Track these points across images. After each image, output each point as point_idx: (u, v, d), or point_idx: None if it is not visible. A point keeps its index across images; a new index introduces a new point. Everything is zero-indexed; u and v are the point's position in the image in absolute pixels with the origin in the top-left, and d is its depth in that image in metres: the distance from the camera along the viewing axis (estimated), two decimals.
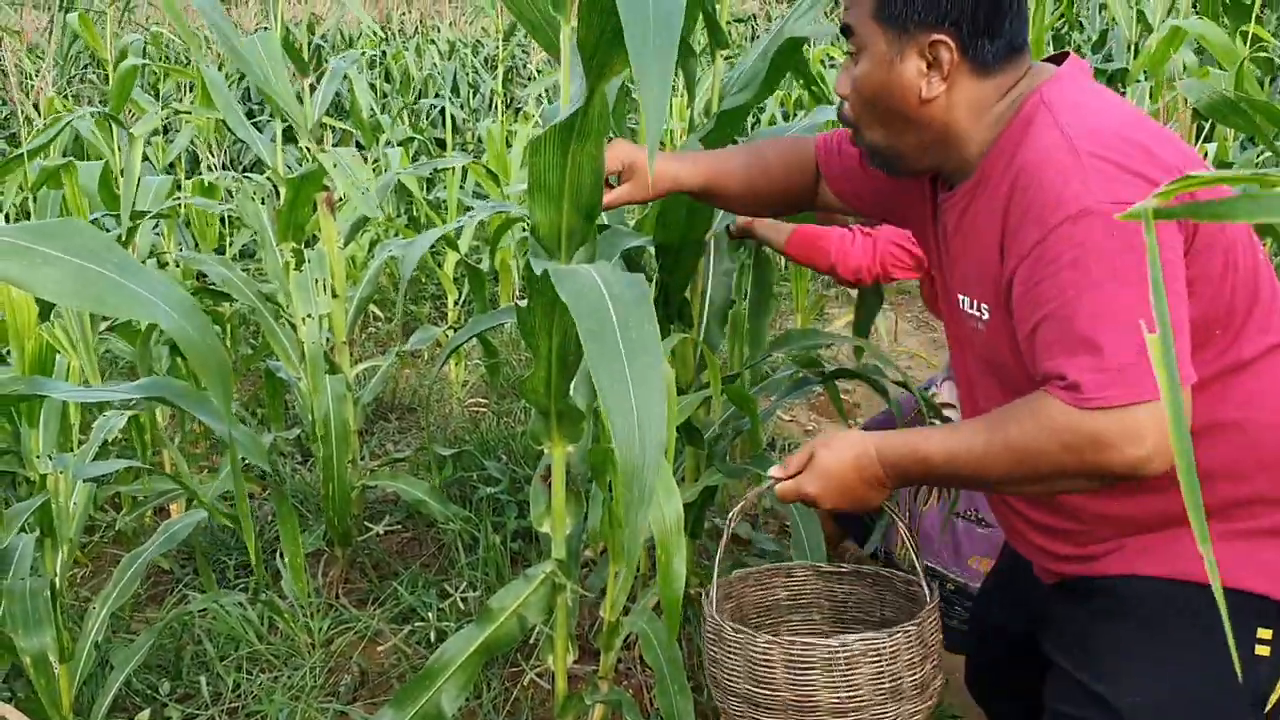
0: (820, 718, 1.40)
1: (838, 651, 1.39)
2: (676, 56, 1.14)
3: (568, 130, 1.54)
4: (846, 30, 1.43)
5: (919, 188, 1.55)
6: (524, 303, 1.62)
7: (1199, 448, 1.29)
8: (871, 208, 1.75)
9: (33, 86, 4.41)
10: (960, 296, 1.44)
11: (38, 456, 1.88)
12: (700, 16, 2.22)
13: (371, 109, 7.37)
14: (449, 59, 10.27)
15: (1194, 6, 4.66)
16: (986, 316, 1.38)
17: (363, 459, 3.45)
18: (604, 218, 2.47)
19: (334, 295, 3.06)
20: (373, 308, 5.59)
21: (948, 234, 1.46)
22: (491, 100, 9.22)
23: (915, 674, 1.43)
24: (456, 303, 4.60)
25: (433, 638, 2.64)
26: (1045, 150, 1.27)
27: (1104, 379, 1.17)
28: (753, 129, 4.92)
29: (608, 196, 1.69)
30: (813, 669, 1.40)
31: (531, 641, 2.50)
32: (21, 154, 3.01)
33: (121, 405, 2.24)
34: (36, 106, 4.41)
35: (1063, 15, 7.23)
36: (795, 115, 3.98)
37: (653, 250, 2.17)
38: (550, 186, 1.62)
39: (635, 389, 1.20)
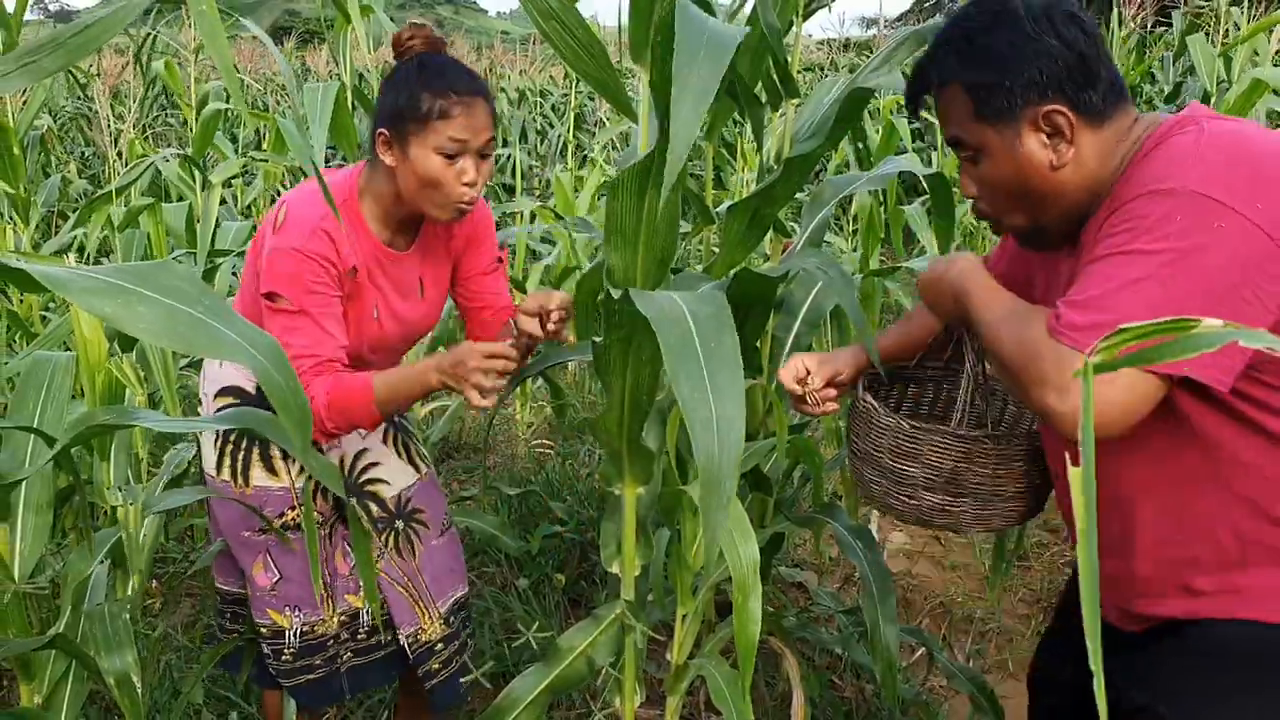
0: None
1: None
2: (716, 89, 1.18)
3: (644, 174, 1.57)
4: (955, 142, 1.48)
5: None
6: (600, 340, 1.64)
7: None
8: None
9: (116, 129, 4.56)
10: None
11: (108, 489, 1.92)
12: (770, 65, 2.25)
13: None
14: (518, 107, 10.44)
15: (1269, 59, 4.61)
16: None
17: None
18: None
19: None
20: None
21: (1079, 261, 1.46)
22: (560, 147, 9.33)
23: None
24: None
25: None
26: (1172, 142, 1.32)
27: (1078, 321, 1.25)
28: (817, 178, 4.93)
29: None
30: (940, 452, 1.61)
31: (599, 683, 2.49)
32: (108, 192, 3.12)
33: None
34: (120, 152, 4.55)
35: (1134, 68, 7.17)
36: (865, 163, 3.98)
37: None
38: (626, 230, 1.64)
39: (715, 399, 1.23)
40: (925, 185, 2.49)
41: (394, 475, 2.18)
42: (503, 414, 4.51)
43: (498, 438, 4.29)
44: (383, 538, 2.16)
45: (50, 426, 1.93)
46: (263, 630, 2.12)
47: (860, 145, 3.14)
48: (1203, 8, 7.23)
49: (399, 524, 2.18)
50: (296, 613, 2.11)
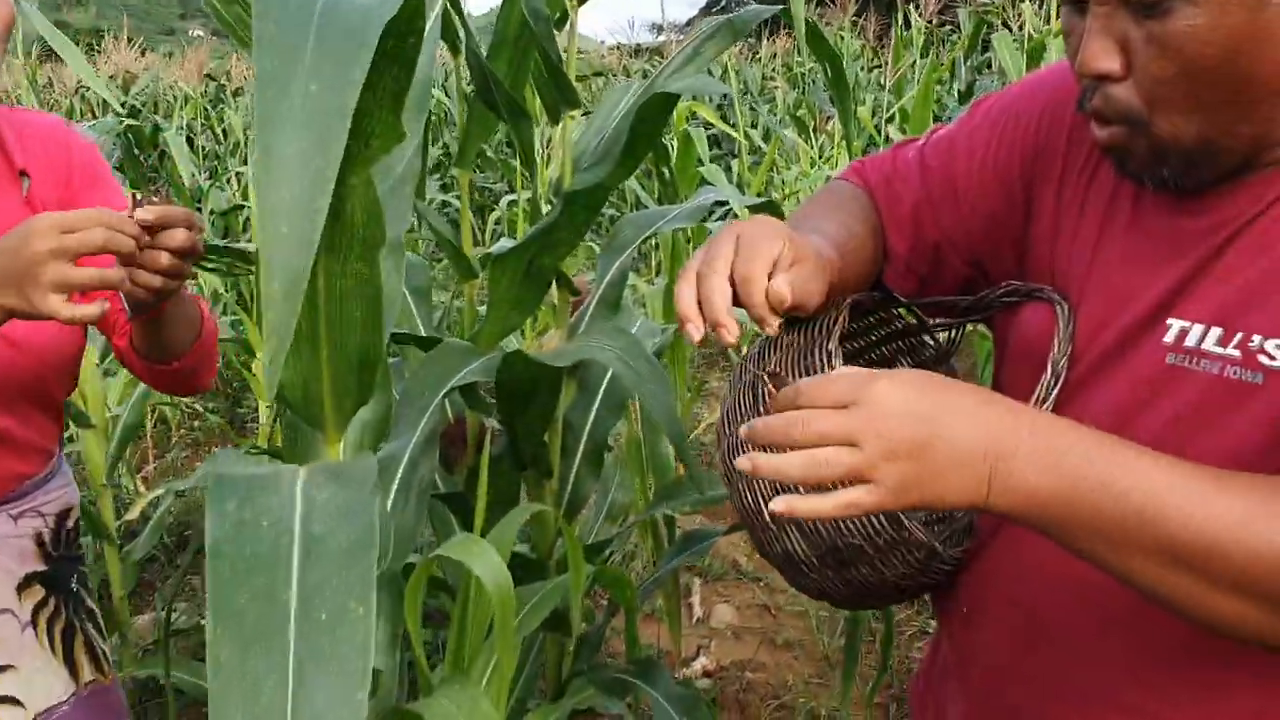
0: None
1: None
2: (349, 108, 0.58)
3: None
4: None
5: (1103, 185, 1.00)
6: None
7: None
8: (962, 251, 1.13)
9: None
10: (1208, 330, 0.89)
11: None
12: (540, 65, 1.67)
13: (194, 174, 6.65)
14: None
15: None
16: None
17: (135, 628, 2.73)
18: (421, 327, 1.87)
19: (88, 425, 2.37)
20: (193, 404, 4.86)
21: (1226, 243, 0.91)
22: None
23: None
24: (271, 408, 3.89)
25: None
26: None
27: None
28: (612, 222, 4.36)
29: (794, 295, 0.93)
30: None
31: None
32: None
33: None
34: None
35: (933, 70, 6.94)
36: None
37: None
38: (296, 326, 1.01)
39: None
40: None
41: (33, 688, 1.41)
42: None
43: None
44: None
45: None
46: None
47: (665, 170, 2.58)
48: (989, 5, 7.11)
49: None
50: None
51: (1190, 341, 0.89)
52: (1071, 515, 0.77)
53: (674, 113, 4.73)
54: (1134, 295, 0.95)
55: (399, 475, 1.34)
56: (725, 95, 8.47)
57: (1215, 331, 0.87)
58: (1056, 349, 0.98)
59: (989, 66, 7.52)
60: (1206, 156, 0.87)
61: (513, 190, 7.14)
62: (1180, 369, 0.89)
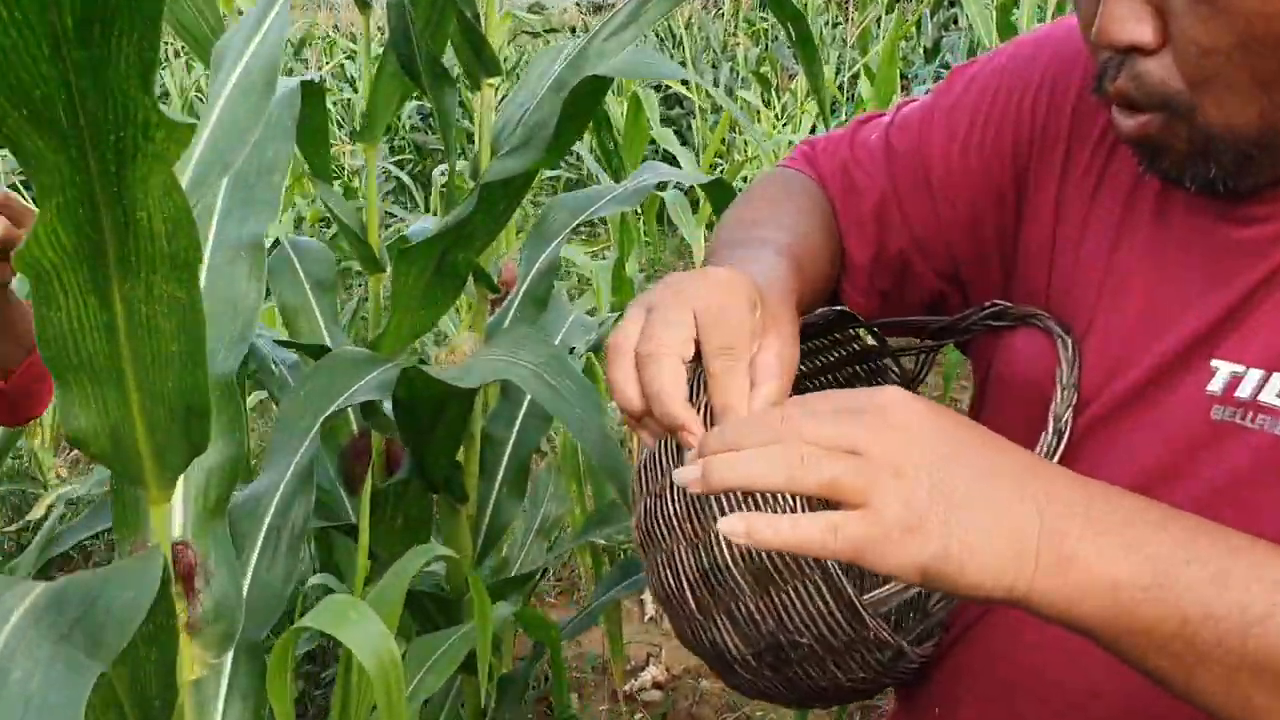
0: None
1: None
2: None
3: (93, 256, 0.71)
4: None
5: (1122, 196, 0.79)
6: None
7: None
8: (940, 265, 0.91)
9: None
10: (1269, 378, 0.69)
11: None
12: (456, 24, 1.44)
13: None
14: None
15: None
16: None
17: None
18: (325, 336, 1.63)
19: None
20: None
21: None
22: None
23: None
24: None
25: None
26: None
27: None
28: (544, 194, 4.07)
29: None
30: None
31: None
32: None
33: None
34: None
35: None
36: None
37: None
38: (92, 361, 0.78)
39: None
40: (704, 195, 1.71)
41: None
42: None
43: None
44: None
45: None
46: None
47: (606, 137, 2.33)
48: None
49: None
50: None
51: (1244, 392, 0.68)
52: (1151, 610, 0.55)
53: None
54: (1163, 324, 0.74)
55: (267, 521, 1.11)
56: (681, 48, 8.16)
57: (1277, 379, 0.67)
58: (1059, 397, 0.76)
59: (955, 23, 7.29)
60: (1267, 151, 0.66)
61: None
62: (1230, 425, 0.68)
